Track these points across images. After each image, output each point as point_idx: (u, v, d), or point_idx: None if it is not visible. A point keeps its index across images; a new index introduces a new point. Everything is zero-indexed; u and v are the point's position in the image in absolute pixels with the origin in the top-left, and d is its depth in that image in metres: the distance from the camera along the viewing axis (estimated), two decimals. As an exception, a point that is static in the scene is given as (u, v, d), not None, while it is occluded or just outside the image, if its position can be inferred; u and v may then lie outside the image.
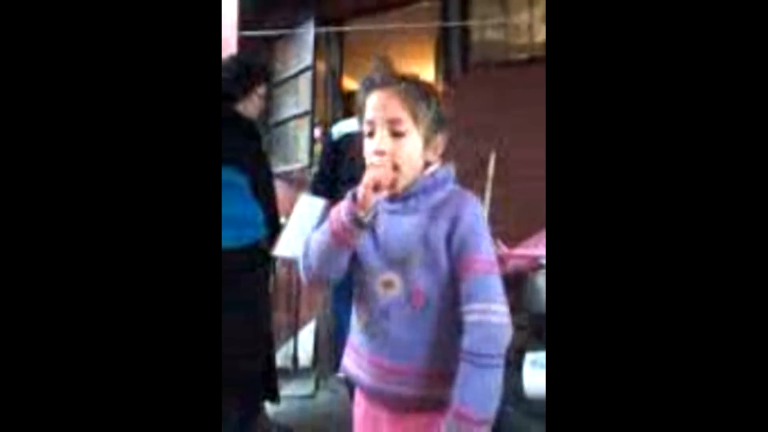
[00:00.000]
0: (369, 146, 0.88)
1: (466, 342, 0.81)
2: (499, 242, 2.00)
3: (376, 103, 0.88)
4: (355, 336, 0.94)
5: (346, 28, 3.18)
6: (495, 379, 0.81)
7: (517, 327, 1.80)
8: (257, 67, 1.97)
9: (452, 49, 2.78)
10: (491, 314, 0.81)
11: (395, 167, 0.86)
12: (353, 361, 0.95)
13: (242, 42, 3.31)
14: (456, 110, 2.89)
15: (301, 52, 3.37)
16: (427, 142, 0.89)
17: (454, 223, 0.85)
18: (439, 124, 0.90)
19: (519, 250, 1.92)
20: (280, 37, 3.40)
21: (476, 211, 0.88)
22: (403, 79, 0.90)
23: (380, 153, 0.85)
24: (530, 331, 1.71)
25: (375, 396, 0.92)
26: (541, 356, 1.51)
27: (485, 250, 0.85)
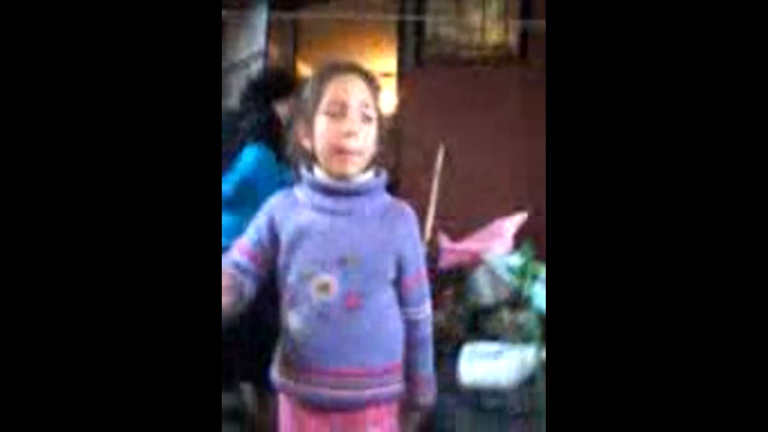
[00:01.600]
0: (333, 126, 0.86)
1: (424, 331, 0.95)
2: (443, 236, 2.05)
3: (346, 86, 0.87)
4: (286, 343, 0.92)
5: (302, 16, 3.12)
6: None
7: (457, 319, 1.86)
8: (290, 78, 2.33)
9: (407, 42, 2.79)
10: (430, 308, 0.97)
11: (359, 152, 0.87)
12: (284, 371, 0.92)
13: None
14: (408, 103, 2.92)
15: (253, 36, 3.28)
16: (379, 134, 0.91)
17: (405, 242, 0.91)
18: (382, 119, 0.92)
19: (462, 245, 1.98)
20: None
21: (417, 228, 0.95)
22: (360, 67, 0.92)
23: (354, 134, 0.86)
24: (468, 323, 1.77)
25: (310, 405, 0.90)
26: (477, 347, 1.56)
27: (423, 262, 0.97)
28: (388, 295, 0.92)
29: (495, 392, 1.43)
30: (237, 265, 0.90)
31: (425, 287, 0.96)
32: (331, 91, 0.87)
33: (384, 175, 0.94)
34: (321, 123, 0.87)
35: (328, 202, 0.89)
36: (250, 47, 3.31)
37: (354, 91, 0.87)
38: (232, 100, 3.51)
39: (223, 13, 3.20)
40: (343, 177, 0.88)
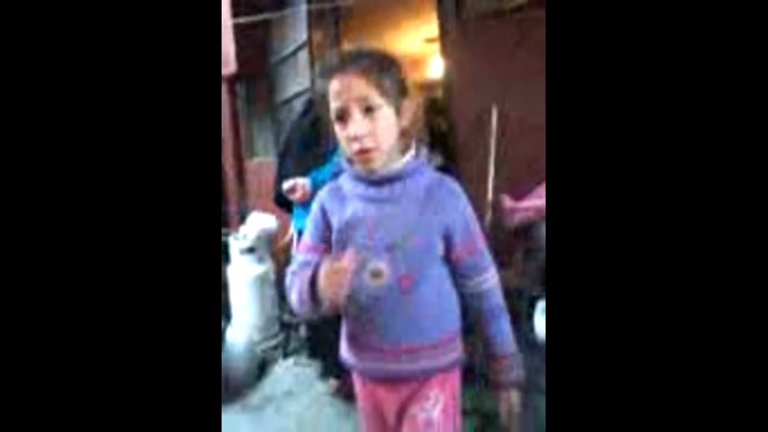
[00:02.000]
0: (342, 132, 0.88)
1: (491, 302, 0.96)
2: (505, 196, 2.03)
3: (340, 88, 0.86)
4: (349, 326, 0.97)
5: (339, 3, 3.14)
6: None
7: (528, 277, 1.85)
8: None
9: (446, 4, 2.72)
10: (496, 276, 0.97)
11: (374, 148, 0.87)
12: (350, 350, 0.97)
13: (238, 26, 3.32)
14: (455, 65, 2.83)
15: (296, 28, 3.37)
16: (397, 110, 0.89)
17: (452, 216, 0.91)
18: (404, 90, 0.90)
19: (525, 203, 1.94)
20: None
21: (464, 200, 0.94)
22: (359, 56, 0.88)
23: (359, 137, 0.86)
24: (540, 279, 1.75)
25: (376, 378, 0.96)
26: (552, 302, 1.56)
27: (479, 230, 0.96)
28: (440, 272, 0.93)
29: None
30: (307, 264, 0.94)
31: (482, 256, 0.95)
32: (331, 97, 0.87)
33: (424, 152, 0.94)
34: (335, 127, 0.89)
35: (371, 191, 0.91)
36: (296, 40, 3.40)
37: (348, 91, 0.86)
38: (286, 92, 3.66)
39: (266, 14, 3.31)
40: (372, 172, 0.90)
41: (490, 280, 0.95)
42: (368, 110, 0.86)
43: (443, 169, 0.99)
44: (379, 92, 0.86)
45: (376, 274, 0.90)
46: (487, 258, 0.96)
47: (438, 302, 0.93)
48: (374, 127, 0.86)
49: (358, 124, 0.86)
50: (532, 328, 1.51)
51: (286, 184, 1.79)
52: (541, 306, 1.55)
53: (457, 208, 0.92)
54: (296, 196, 1.79)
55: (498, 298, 0.96)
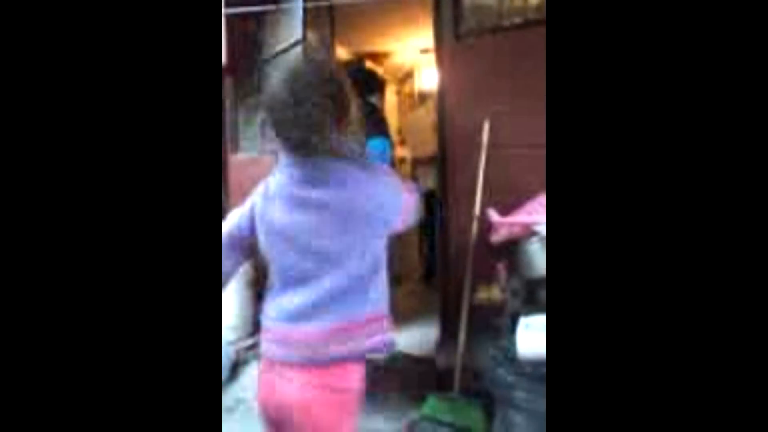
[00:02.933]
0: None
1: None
2: (493, 210, 2.04)
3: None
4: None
5: (336, 1, 3.13)
6: None
7: (512, 293, 1.86)
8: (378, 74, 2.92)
9: (444, 17, 2.74)
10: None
11: None
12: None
13: (231, 19, 3.27)
14: (449, 79, 2.86)
15: (291, 25, 3.33)
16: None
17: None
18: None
19: (512, 218, 1.96)
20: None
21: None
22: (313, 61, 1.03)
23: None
24: (524, 296, 1.76)
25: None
26: (534, 320, 1.56)
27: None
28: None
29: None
30: None
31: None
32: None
33: None
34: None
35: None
36: (289, 37, 3.36)
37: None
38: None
39: (261, 7, 3.26)
40: None
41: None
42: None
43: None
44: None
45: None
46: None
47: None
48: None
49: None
50: (513, 344, 1.52)
51: None
52: (523, 322, 1.55)
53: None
54: None
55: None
